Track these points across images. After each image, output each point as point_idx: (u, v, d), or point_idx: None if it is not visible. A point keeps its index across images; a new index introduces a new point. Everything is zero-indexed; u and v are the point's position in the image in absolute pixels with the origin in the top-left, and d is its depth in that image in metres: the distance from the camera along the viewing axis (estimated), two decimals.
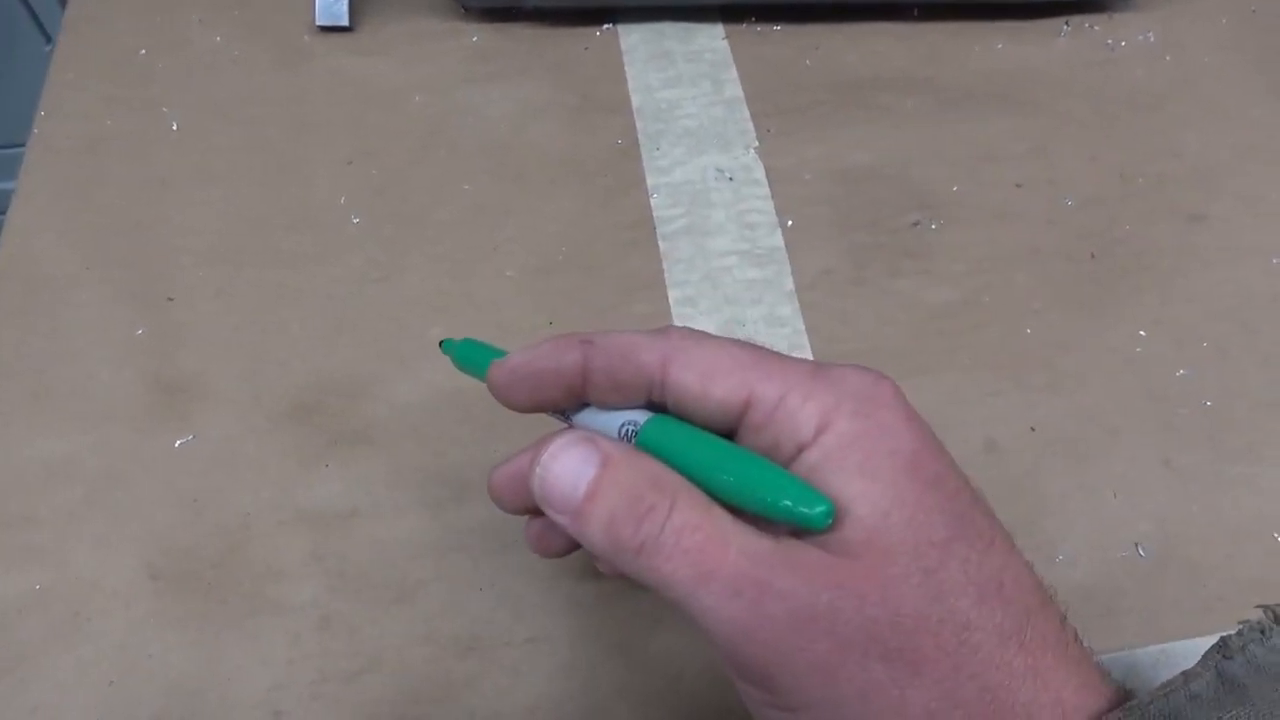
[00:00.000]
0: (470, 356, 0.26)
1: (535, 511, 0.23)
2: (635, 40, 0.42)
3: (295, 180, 0.38)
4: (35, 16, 0.76)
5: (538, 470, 0.21)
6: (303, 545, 0.30)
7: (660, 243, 0.36)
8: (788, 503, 0.19)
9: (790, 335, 0.34)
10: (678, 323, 0.34)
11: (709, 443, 0.21)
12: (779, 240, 0.36)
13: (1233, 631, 0.20)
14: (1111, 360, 0.34)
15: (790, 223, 0.37)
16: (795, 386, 0.20)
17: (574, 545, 0.24)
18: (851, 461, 0.20)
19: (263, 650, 0.28)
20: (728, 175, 0.38)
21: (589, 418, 0.23)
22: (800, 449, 0.20)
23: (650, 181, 0.38)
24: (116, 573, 0.29)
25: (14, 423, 0.32)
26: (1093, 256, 0.36)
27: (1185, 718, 0.19)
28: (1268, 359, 0.34)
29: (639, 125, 0.40)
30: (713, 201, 0.37)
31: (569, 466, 0.21)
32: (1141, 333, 0.34)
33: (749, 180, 0.38)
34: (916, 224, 0.37)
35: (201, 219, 0.37)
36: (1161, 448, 0.32)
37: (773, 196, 0.37)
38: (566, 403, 0.23)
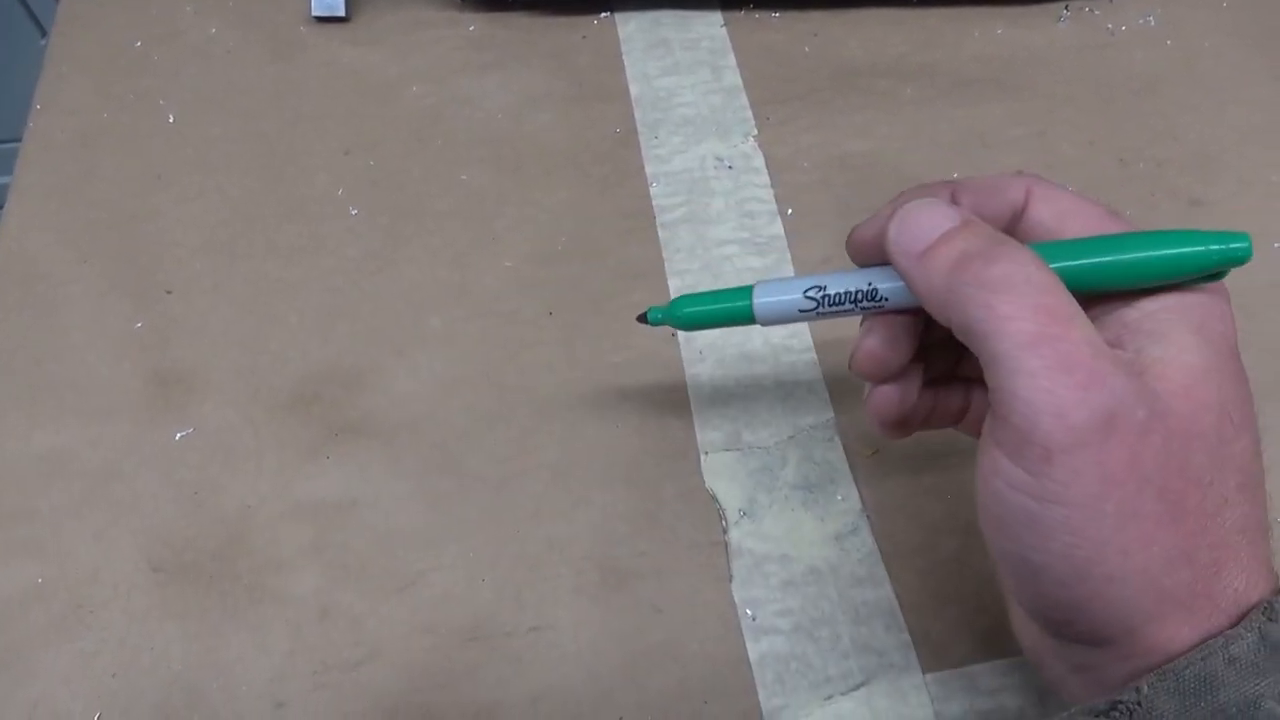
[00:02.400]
0: (705, 308, 0.25)
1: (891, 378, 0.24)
2: (633, 28, 0.42)
3: (292, 172, 0.38)
4: (30, 10, 0.76)
5: (896, 216, 0.22)
6: (303, 536, 0.30)
7: (659, 231, 0.36)
8: (1205, 246, 0.21)
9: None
10: None
11: (1081, 243, 0.22)
12: (779, 228, 0.36)
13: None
14: None
15: (790, 211, 0.37)
16: None
17: (917, 337, 0.24)
18: (1192, 319, 0.21)
19: (264, 641, 0.28)
20: (727, 163, 0.38)
21: (895, 282, 0.23)
22: (1142, 296, 0.21)
23: (649, 170, 0.38)
24: (117, 565, 0.29)
25: (13, 416, 0.32)
26: None
27: (1222, 682, 0.19)
28: (1266, 344, 0.34)
29: (637, 114, 0.39)
30: (712, 190, 0.37)
31: (930, 214, 0.21)
32: None
33: (748, 168, 0.38)
34: None
35: (198, 211, 0.37)
36: None
37: (772, 184, 0.37)
38: None
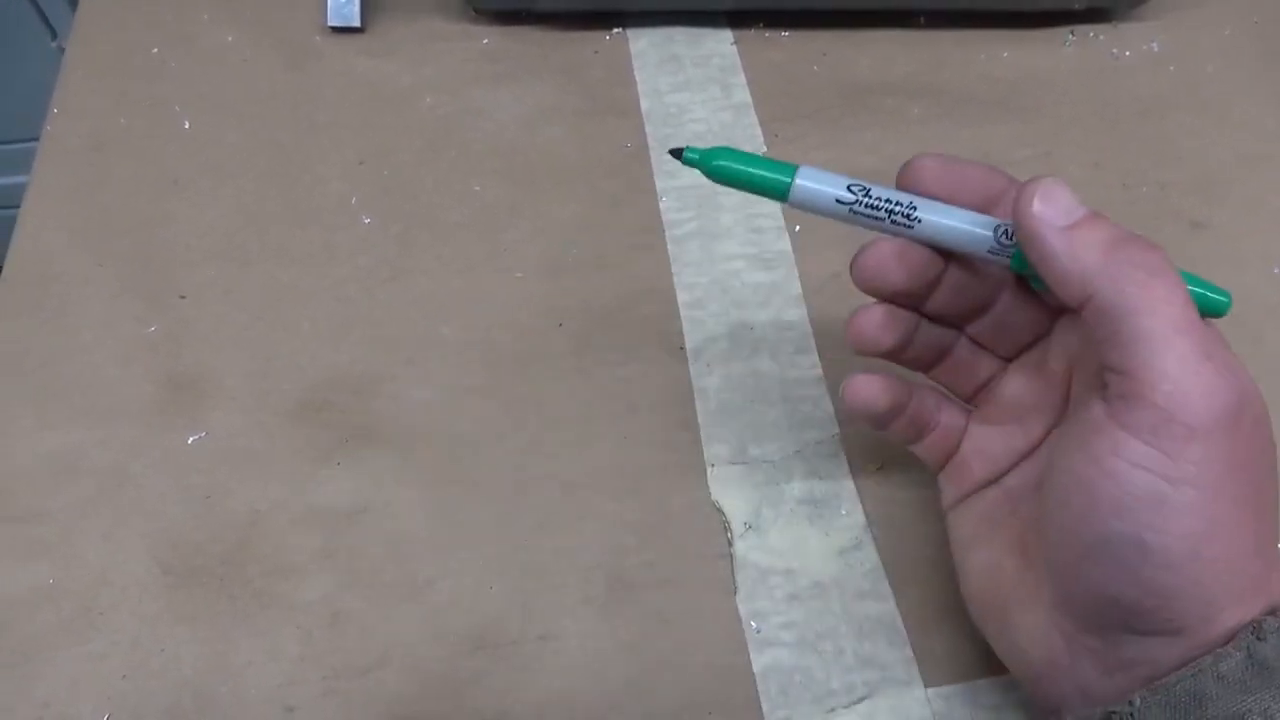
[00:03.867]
0: (741, 166, 0.25)
1: (896, 297, 0.25)
2: (644, 45, 0.43)
3: (306, 179, 0.38)
4: (41, 12, 0.76)
5: (1039, 187, 0.22)
6: (313, 542, 0.30)
7: (669, 246, 0.36)
8: (1198, 290, 0.23)
9: (798, 339, 0.34)
10: (686, 325, 0.34)
11: None
12: (786, 244, 0.37)
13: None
14: None
15: (797, 227, 0.37)
16: None
17: (893, 351, 0.26)
18: (1224, 341, 0.23)
19: (274, 646, 0.28)
20: None
21: (938, 211, 0.24)
22: None
23: (659, 185, 0.38)
24: (128, 568, 0.29)
25: (26, 418, 0.32)
26: None
27: (1210, 698, 0.19)
28: (1270, 366, 0.34)
29: (648, 129, 0.40)
30: (721, 205, 0.38)
31: (1069, 195, 0.22)
32: None
33: None
34: None
35: (212, 217, 0.37)
36: None
37: None
38: (972, 204, 0.24)
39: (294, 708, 0.27)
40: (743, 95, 0.41)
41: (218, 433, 0.32)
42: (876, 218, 0.24)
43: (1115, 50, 0.43)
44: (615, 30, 0.43)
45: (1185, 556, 0.20)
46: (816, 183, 0.24)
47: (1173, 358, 0.20)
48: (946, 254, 0.25)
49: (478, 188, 0.38)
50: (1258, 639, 0.20)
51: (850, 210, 0.24)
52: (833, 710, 0.27)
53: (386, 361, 0.34)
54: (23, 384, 0.33)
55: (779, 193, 0.25)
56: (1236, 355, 0.22)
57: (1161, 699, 0.20)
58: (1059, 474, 0.22)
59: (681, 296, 0.35)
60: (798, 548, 0.30)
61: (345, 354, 0.34)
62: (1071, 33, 0.44)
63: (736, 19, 0.43)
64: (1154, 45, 0.43)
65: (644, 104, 0.41)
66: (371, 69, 0.42)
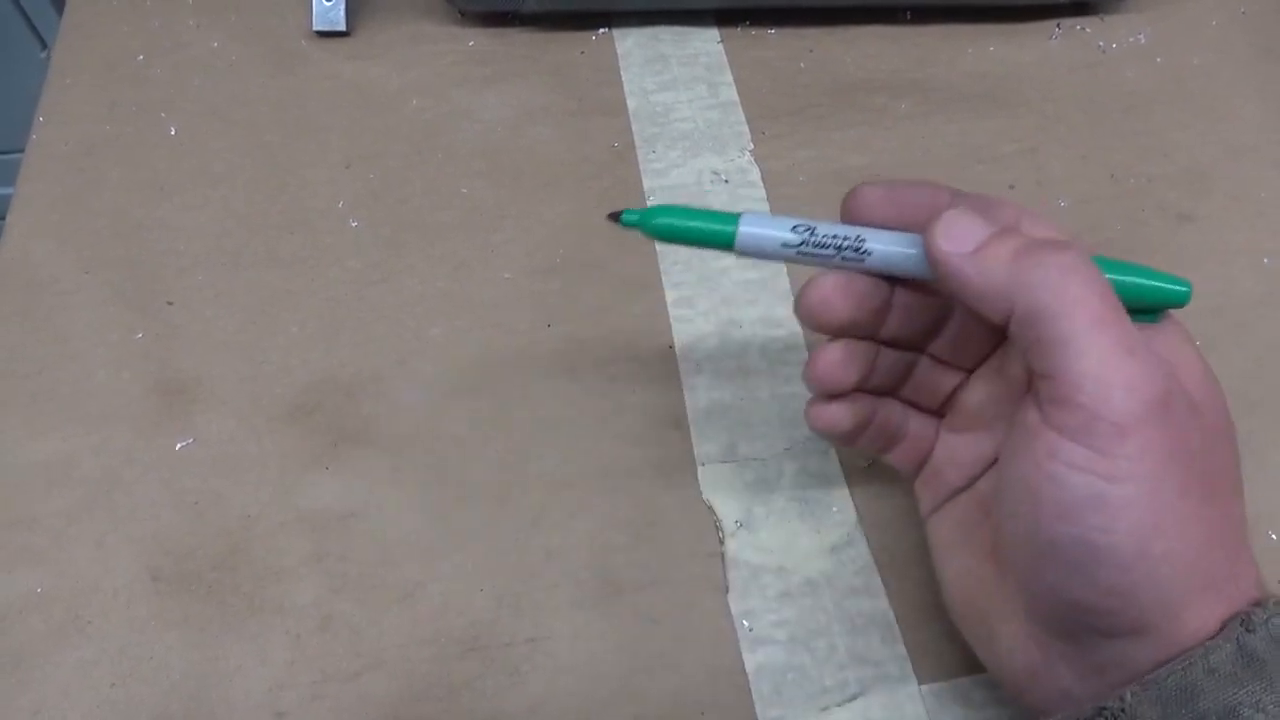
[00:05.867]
0: (682, 222, 0.24)
1: (845, 329, 0.25)
2: (630, 44, 0.43)
3: (293, 184, 0.38)
4: (31, 23, 0.76)
5: (941, 222, 0.22)
6: (303, 546, 0.30)
7: (657, 245, 0.36)
8: (1157, 282, 0.23)
9: (787, 336, 0.34)
10: (675, 324, 0.34)
11: None
12: None
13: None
14: None
15: None
16: None
17: (857, 383, 0.26)
18: (1187, 335, 0.24)
19: (264, 651, 0.28)
20: (723, 178, 0.38)
21: (884, 242, 0.24)
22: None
23: (646, 184, 0.38)
24: (117, 574, 0.29)
25: (14, 425, 0.32)
26: None
27: (1201, 691, 0.19)
28: (1257, 356, 0.34)
29: (635, 128, 0.40)
30: (709, 203, 0.38)
31: (973, 219, 0.22)
32: None
33: (744, 182, 0.38)
34: None
35: (200, 222, 0.37)
36: None
37: (768, 198, 0.38)
38: (920, 224, 0.24)
39: (284, 713, 0.27)
40: (729, 93, 0.41)
41: (208, 438, 0.32)
42: (825, 255, 0.24)
43: (1102, 43, 0.43)
44: (601, 30, 0.43)
45: (1134, 554, 0.20)
46: (761, 228, 0.24)
47: (1093, 357, 0.20)
48: (892, 279, 0.25)
49: (465, 189, 0.38)
50: (1247, 631, 0.20)
51: (798, 251, 0.24)
52: (826, 708, 0.27)
53: (376, 364, 0.34)
54: (12, 391, 0.33)
55: (725, 243, 0.24)
56: (1191, 346, 0.22)
57: (1153, 693, 0.20)
58: (1006, 481, 0.22)
59: (670, 295, 0.35)
60: (789, 545, 0.30)
61: (334, 357, 0.34)
62: (1058, 26, 0.44)
63: (723, 17, 0.43)
64: (1141, 38, 0.43)
65: (631, 103, 0.41)
66: (358, 72, 0.42)
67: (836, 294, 0.24)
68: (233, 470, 0.31)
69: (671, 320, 0.34)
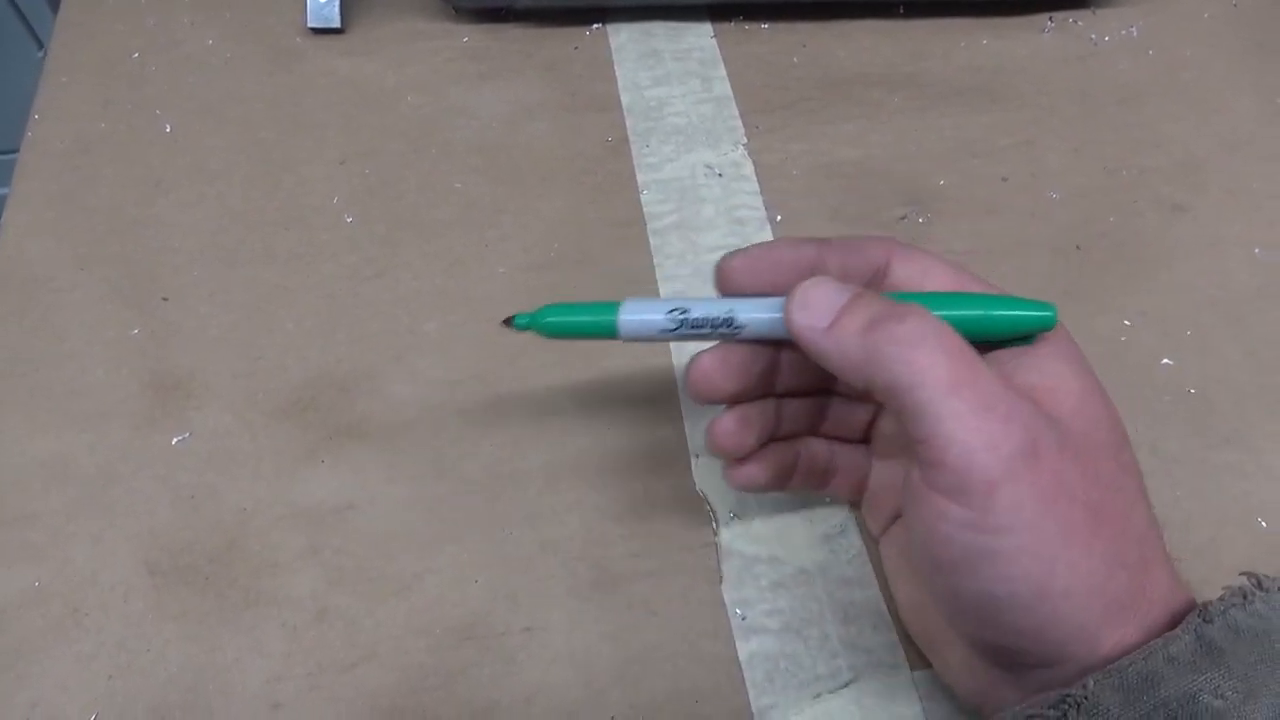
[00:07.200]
0: (569, 318, 0.26)
1: (734, 397, 0.25)
2: (624, 39, 0.43)
3: (288, 180, 0.38)
4: (27, 23, 0.76)
5: (796, 296, 0.23)
6: (299, 539, 0.30)
7: (651, 238, 0.37)
8: (1018, 312, 0.23)
9: None
10: None
11: (915, 296, 0.24)
12: (769, 235, 0.37)
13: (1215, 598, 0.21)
14: (1097, 350, 0.34)
15: (779, 218, 0.37)
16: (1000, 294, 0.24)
17: (758, 445, 0.26)
18: (1066, 353, 0.23)
19: (260, 643, 0.28)
20: (717, 171, 0.38)
21: (754, 313, 0.24)
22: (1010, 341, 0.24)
23: (640, 178, 0.38)
24: (114, 569, 0.29)
25: (11, 422, 0.32)
26: (1078, 248, 0.37)
27: (1162, 679, 0.20)
28: (1250, 348, 0.34)
29: (629, 123, 0.40)
30: (702, 197, 0.38)
31: (826, 290, 0.22)
32: (1126, 322, 0.35)
33: (738, 176, 0.38)
34: (904, 218, 0.37)
35: (196, 219, 0.37)
36: (1147, 435, 0.32)
37: (762, 192, 0.38)
38: (793, 282, 0.24)
39: (281, 704, 0.27)
40: (723, 88, 0.41)
41: (204, 433, 0.32)
42: (703, 333, 0.25)
43: (1094, 36, 0.43)
44: (595, 26, 0.43)
45: (1034, 597, 0.20)
46: (640, 314, 0.25)
47: (950, 422, 0.20)
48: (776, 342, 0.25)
49: (460, 185, 0.38)
50: (1205, 622, 0.21)
51: (676, 335, 0.25)
52: (819, 696, 0.27)
53: (371, 359, 0.34)
54: (9, 389, 0.33)
55: (609, 333, 0.25)
56: (1040, 407, 0.22)
57: (1115, 680, 0.20)
58: (910, 537, 0.23)
59: (664, 289, 0.35)
60: (782, 535, 0.30)
61: (330, 353, 0.34)
62: (1050, 19, 0.44)
63: (716, 12, 0.44)
64: (1133, 30, 0.44)
65: (624, 98, 0.41)
66: (353, 69, 0.42)
67: (716, 370, 0.25)
68: (229, 465, 0.31)
69: None
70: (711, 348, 0.25)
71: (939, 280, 0.24)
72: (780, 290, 0.24)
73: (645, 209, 0.37)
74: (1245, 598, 0.21)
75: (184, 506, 0.30)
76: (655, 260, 0.36)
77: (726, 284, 0.25)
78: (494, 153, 0.39)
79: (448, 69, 0.42)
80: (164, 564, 0.29)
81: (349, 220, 0.37)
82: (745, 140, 0.39)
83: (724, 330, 0.24)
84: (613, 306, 0.25)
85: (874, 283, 0.25)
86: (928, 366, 0.20)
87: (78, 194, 0.38)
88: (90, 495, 0.31)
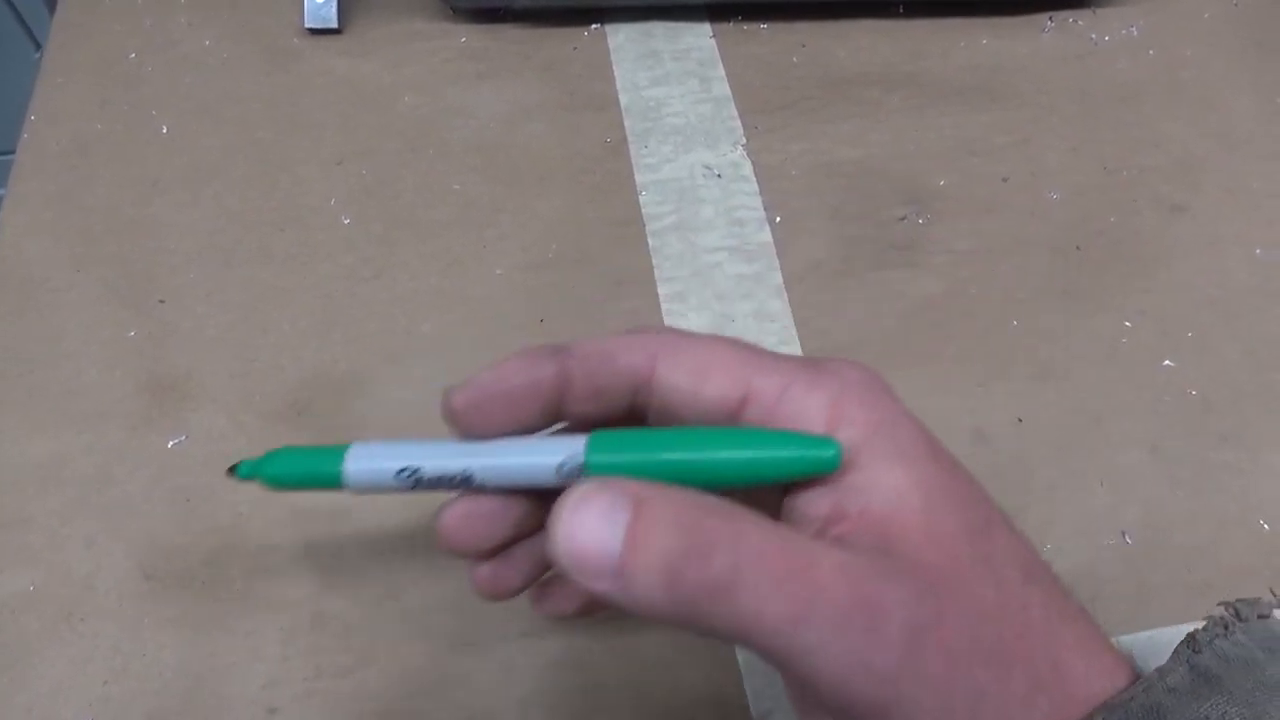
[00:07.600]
0: (297, 466, 0.22)
1: (496, 549, 0.22)
2: (623, 39, 0.43)
3: (285, 181, 0.38)
4: (24, 23, 0.76)
5: (559, 526, 0.17)
6: (295, 543, 0.30)
7: (649, 239, 0.36)
8: (798, 451, 0.18)
9: (780, 330, 0.34)
10: (668, 319, 0.34)
11: (670, 434, 0.19)
12: (767, 235, 0.37)
13: (1199, 626, 0.20)
14: (1097, 350, 0.34)
15: (778, 218, 0.37)
16: (796, 378, 0.19)
17: (529, 583, 0.23)
18: (884, 449, 0.19)
19: (256, 647, 0.28)
20: (716, 172, 0.38)
21: (493, 466, 0.21)
22: None
23: (639, 179, 0.38)
24: (110, 572, 0.29)
25: (6, 423, 0.32)
26: (1077, 248, 0.36)
27: (1168, 710, 0.19)
28: (1250, 348, 0.34)
29: (627, 123, 0.40)
30: (701, 198, 0.38)
31: (593, 521, 0.17)
32: (1126, 323, 0.35)
33: (737, 177, 0.38)
34: (904, 218, 0.37)
35: (193, 220, 0.37)
36: (1147, 436, 0.32)
37: (761, 192, 0.38)
38: (540, 424, 0.21)
39: (277, 709, 0.27)
40: (722, 88, 0.41)
41: (199, 435, 0.32)
42: (444, 488, 0.21)
43: (1094, 35, 0.43)
44: (593, 26, 0.43)
45: None
46: (366, 463, 0.21)
47: (811, 660, 0.17)
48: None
49: (458, 186, 0.38)
50: (1194, 652, 0.19)
51: (416, 490, 0.21)
52: None
53: (368, 360, 0.33)
54: (5, 389, 0.33)
55: (335, 485, 0.21)
56: (861, 539, 0.18)
57: (1119, 716, 0.19)
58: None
59: (662, 290, 0.35)
60: None
61: (327, 354, 0.34)
62: (1050, 19, 0.44)
63: (715, 12, 0.43)
64: (1133, 30, 0.43)
65: (623, 99, 0.41)
66: (350, 69, 0.42)
67: (463, 527, 0.21)
68: (224, 467, 0.31)
69: (664, 315, 0.34)
70: (457, 499, 0.21)
71: (719, 382, 0.20)
72: (523, 426, 0.20)
73: (644, 209, 0.37)
74: (1226, 629, 0.20)
75: (180, 509, 0.30)
76: (654, 261, 0.36)
77: (458, 426, 0.21)
78: (492, 153, 0.39)
79: (445, 69, 0.42)
80: (160, 567, 0.29)
81: (346, 220, 0.37)
82: (744, 140, 0.39)
83: (464, 486, 0.21)
84: (338, 454, 0.21)
85: (638, 399, 0.20)
86: (758, 612, 0.16)
87: (74, 194, 0.38)
88: (86, 497, 0.31)
